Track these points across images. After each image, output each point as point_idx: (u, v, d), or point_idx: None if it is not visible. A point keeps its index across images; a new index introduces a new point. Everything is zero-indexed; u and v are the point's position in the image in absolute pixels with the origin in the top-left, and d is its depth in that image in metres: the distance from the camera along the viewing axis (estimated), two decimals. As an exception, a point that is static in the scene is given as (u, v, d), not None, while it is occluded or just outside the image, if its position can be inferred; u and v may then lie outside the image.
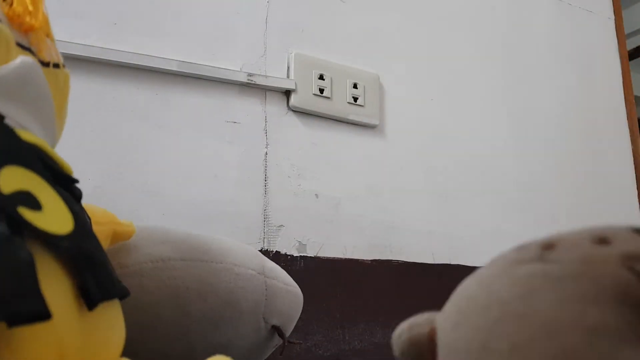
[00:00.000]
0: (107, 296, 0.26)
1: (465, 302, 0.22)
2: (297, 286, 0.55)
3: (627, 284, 0.18)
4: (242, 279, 0.47)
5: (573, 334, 0.17)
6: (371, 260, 0.87)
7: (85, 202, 0.71)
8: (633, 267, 0.18)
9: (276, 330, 0.50)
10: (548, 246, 0.21)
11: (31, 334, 0.21)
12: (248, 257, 0.49)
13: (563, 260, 0.20)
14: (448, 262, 0.93)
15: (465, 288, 0.23)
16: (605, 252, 0.19)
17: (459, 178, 1.00)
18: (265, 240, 0.80)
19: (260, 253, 0.53)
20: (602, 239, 0.20)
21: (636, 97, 1.67)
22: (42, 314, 0.20)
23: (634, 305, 0.18)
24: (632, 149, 1.25)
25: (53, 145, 0.34)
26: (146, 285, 0.42)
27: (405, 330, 0.25)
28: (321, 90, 0.88)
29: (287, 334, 0.53)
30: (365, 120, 0.92)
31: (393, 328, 0.26)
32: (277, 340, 0.52)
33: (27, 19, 0.29)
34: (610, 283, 0.18)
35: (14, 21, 0.28)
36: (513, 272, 0.20)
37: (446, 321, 0.23)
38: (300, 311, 0.55)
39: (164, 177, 0.75)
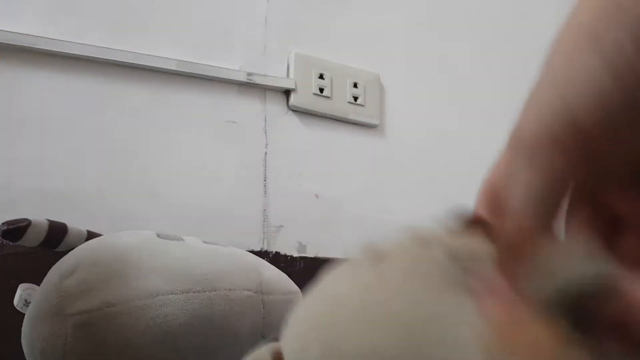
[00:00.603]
0: None
1: (304, 314, 0.23)
2: (297, 290, 0.54)
3: (452, 274, 0.20)
4: (237, 303, 0.45)
5: (416, 322, 0.19)
6: (371, 261, 0.87)
7: (84, 202, 0.71)
8: (454, 259, 0.20)
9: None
10: (380, 256, 0.22)
11: None
12: (243, 275, 0.48)
13: (395, 264, 0.21)
14: (448, 263, 0.92)
15: (304, 306, 0.23)
16: (431, 253, 0.21)
17: (459, 178, 1.00)
18: (265, 240, 0.79)
19: (257, 262, 0.51)
20: (425, 243, 0.22)
21: (636, 97, 1.66)
22: None
23: (462, 289, 0.19)
24: (633, 149, 1.25)
25: None
26: (136, 326, 0.40)
27: None
28: (321, 90, 0.87)
29: None
30: (365, 120, 0.91)
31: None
32: None
33: None
34: (439, 275, 0.20)
35: None
36: (349, 280, 0.22)
37: (290, 341, 0.23)
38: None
39: (163, 177, 0.75)
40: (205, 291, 0.44)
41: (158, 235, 0.48)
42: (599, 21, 0.17)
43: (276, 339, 0.49)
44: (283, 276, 0.54)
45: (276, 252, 0.80)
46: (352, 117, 0.90)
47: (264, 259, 0.56)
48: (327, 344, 0.20)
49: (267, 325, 0.48)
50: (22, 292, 0.44)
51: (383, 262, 0.22)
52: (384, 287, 0.20)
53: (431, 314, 0.19)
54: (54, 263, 0.44)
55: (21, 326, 0.42)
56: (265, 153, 0.83)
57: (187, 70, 0.78)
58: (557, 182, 0.18)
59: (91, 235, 0.48)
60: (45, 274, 0.44)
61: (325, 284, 0.23)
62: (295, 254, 0.81)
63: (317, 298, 0.23)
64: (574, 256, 0.18)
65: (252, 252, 0.74)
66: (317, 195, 0.85)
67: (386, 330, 0.19)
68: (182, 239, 0.49)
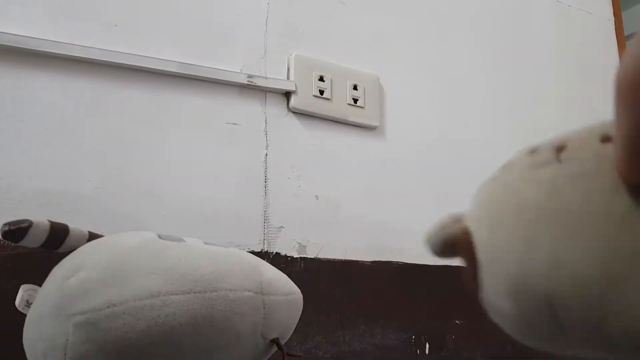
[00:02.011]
0: None
1: (496, 207, 0.23)
2: (297, 291, 0.54)
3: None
4: (238, 304, 0.45)
5: (607, 223, 0.19)
6: (371, 262, 0.87)
7: (85, 203, 0.71)
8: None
9: (275, 343, 0.50)
10: (560, 148, 0.22)
11: None
12: (244, 275, 0.48)
13: (578, 158, 0.21)
14: (448, 263, 0.93)
15: (491, 193, 0.24)
16: (613, 149, 0.21)
17: (458, 180, 1.00)
18: (265, 241, 0.80)
19: (257, 263, 0.51)
20: (606, 137, 0.21)
21: (636, 99, 1.66)
22: None
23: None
24: (632, 151, 1.25)
25: None
26: (137, 326, 0.40)
27: (438, 230, 0.26)
28: (321, 92, 0.88)
29: (286, 339, 0.52)
30: (365, 121, 0.91)
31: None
32: (275, 348, 0.51)
33: None
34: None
35: None
36: (535, 176, 0.22)
37: (480, 224, 0.24)
38: (300, 315, 0.55)
39: (164, 179, 0.75)
40: (206, 292, 0.44)
41: (159, 236, 0.48)
42: None
43: (277, 341, 0.49)
44: (284, 277, 0.54)
45: (276, 252, 0.80)
46: (352, 118, 0.90)
47: (264, 259, 0.56)
48: (521, 239, 0.21)
49: (267, 325, 0.48)
50: (24, 293, 0.44)
51: (564, 155, 0.21)
52: (573, 188, 0.20)
53: (624, 220, 0.19)
54: (55, 264, 0.44)
55: (22, 327, 0.43)
56: (266, 154, 0.83)
57: (188, 73, 0.78)
58: None
59: (92, 236, 0.48)
60: (46, 275, 0.44)
61: (509, 174, 0.23)
62: (296, 255, 0.81)
63: (505, 189, 0.23)
64: None
65: (253, 252, 0.74)
66: (317, 197, 0.86)
67: (582, 237, 0.20)
68: (183, 240, 0.49)
